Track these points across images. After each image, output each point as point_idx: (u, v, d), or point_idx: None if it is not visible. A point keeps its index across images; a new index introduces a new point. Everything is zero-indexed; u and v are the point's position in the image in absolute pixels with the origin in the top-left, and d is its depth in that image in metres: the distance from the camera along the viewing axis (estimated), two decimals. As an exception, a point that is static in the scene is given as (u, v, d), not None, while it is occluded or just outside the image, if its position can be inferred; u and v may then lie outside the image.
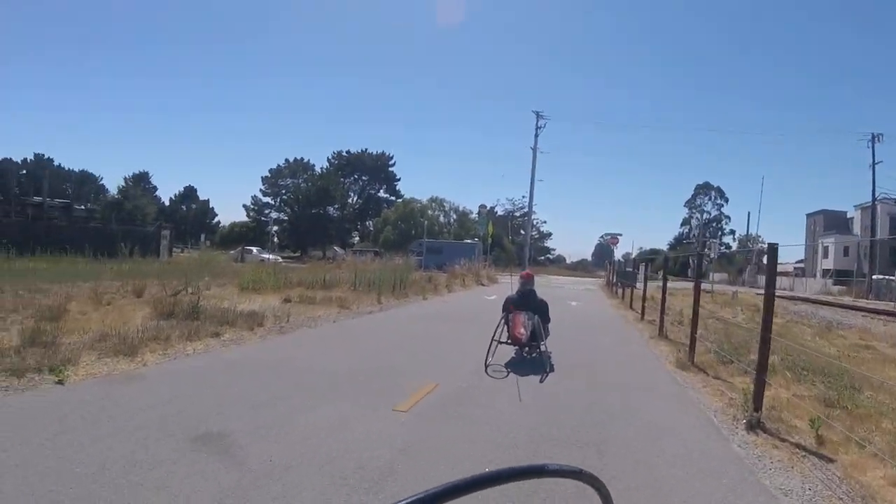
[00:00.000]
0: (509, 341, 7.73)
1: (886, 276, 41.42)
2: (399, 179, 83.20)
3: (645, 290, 15.83)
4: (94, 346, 6.98)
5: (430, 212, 73.40)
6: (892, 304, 31.06)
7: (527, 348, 7.94)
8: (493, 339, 7.52)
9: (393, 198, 79.84)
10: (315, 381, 6.21)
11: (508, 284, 9.91)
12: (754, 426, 5.52)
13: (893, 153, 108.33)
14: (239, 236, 68.36)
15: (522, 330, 7.56)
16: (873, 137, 45.60)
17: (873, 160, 45.60)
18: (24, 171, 67.33)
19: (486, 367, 7.20)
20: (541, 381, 6.90)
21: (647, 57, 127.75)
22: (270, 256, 40.44)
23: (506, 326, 7.80)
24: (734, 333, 11.93)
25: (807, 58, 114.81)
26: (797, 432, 5.47)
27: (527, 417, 5.42)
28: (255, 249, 45.77)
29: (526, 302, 8.06)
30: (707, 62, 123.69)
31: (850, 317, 20.32)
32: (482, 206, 39.87)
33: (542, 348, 7.78)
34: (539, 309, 8.04)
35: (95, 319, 9.04)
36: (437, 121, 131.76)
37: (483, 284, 28.21)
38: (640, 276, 23.24)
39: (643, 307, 15.38)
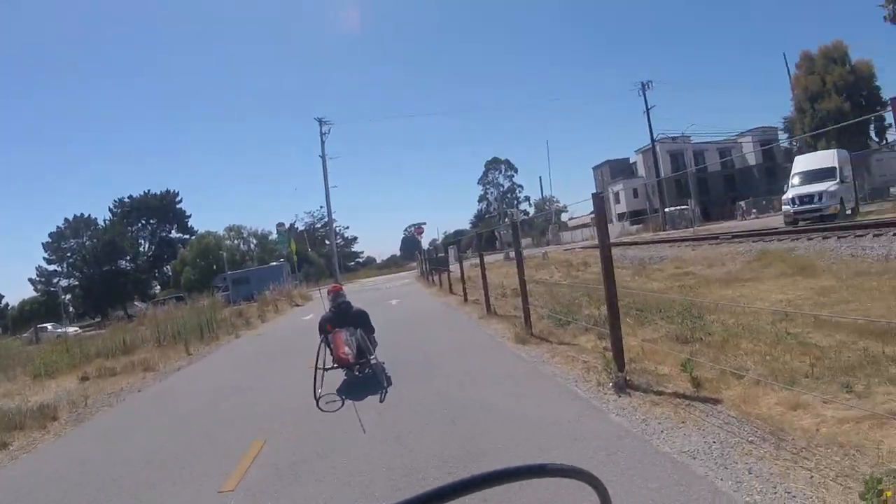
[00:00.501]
0: (336, 365, 6.71)
1: (678, 207, 46.48)
2: (190, 216, 78.07)
3: (462, 272, 15.55)
4: None
5: (227, 242, 69.69)
6: (689, 230, 34.52)
7: (356, 367, 6.84)
8: (316, 368, 6.43)
9: (187, 236, 74.19)
10: (120, 481, 4.78)
11: (321, 300, 8.70)
12: (623, 387, 4.98)
13: (663, 96, 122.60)
14: (31, 315, 59.61)
15: (346, 349, 6.63)
16: (643, 85, 50.09)
17: (646, 106, 50.37)
18: None
19: (317, 400, 6.16)
20: (381, 400, 5.97)
21: (413, 43, 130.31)
22: (68, 329, 36.49)
23: (328, 349, 6.81)
24: (560, 294, 11.82)
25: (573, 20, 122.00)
26: (669, 380, 5.02)
27: (377, 451, 4.47)
28: (49, 326, 40.92)
29: (343, 317, 7.18)
30: (472, 39, 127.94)
31: (658, 250, 21.18)
32: (279, 224, 38.96)
33: (373, 361, 6.89)
34: (359, 320, 7.20)
35: None
36: (218, 145, 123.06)
37: (298, 305, 26.55)
38: (453, 259, 24.30)
39: (464, 289, 15.03)
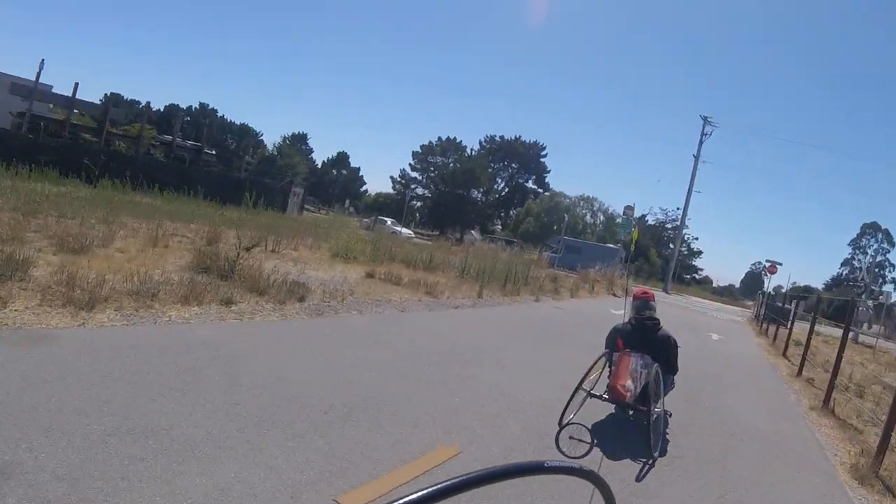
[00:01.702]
0: (606, 396, 4.87)
1: None
2: (549, 171, 79.36)
3: (809, 339, 12.20)
4: (51, 289, 5.58)
5: (577, 209, 70.05)
6: None
7: (631, 411, 4.96)
8: (579, 387, 4.79)
9: (541, 189, 76.15)
10: (274, 410, 3.87)
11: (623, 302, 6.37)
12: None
13: None
14: (382, 206, 69.09)
15: (629, 382, 4.67)
16: None
17: None
18: (188, 119, 72.09)
19: (560, 429, 4.47)
20: (638, 478, 4.12)
21: (835, 71, 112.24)
22: (403, 230, 39.94)
23: (607, 370, 5.17)
24: None
25: None
26: None
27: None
28: (389, 221, 44.50)
29: (642, 338, 5.13)
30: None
31: None
32: (628, 208, 35.26)
33: (656, 412, 4.79)
34: (662, 349, 5.16)
35: (124, 260, 7.90)
36: (597, 118, 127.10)
37: (615, 295, 24.51)
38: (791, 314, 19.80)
39: (802, 359, 11.66)
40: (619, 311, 15.60)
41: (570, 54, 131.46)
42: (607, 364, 5.15)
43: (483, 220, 75.57)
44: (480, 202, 75.81)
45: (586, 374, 4.85)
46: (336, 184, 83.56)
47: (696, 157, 46.35)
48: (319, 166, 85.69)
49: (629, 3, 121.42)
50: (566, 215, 39.39)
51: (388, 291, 10.56)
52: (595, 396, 4.89)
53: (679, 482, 4.22)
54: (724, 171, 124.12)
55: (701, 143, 46.18)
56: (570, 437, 3.76)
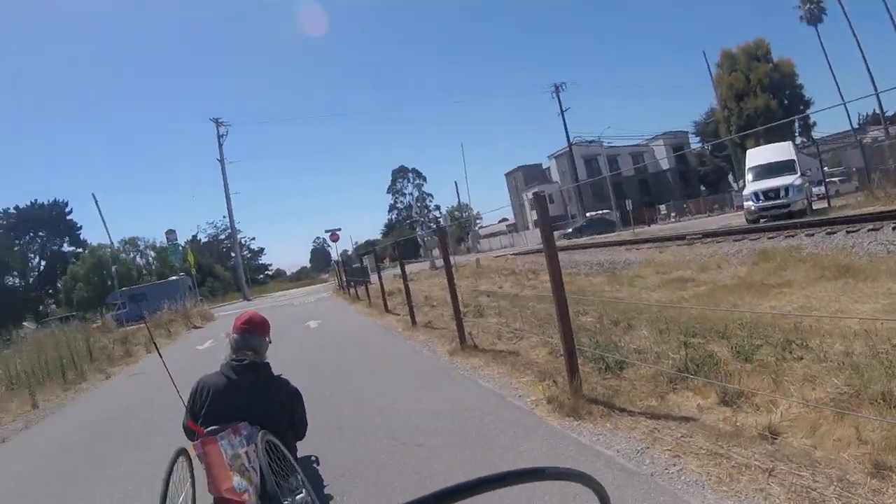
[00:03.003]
0: None
1: (600, 212, 45.39)
2: (80, 228, 70.86)
3: (407, 286, 11.51)
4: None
5: (123, 255, 64.78)
6: (628, 232, 33.33)
7: None
8: None
9: (80, 249, 67.09)
10: None
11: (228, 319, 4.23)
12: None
13: (577, 98, 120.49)
14: None
15: (237, 480, 2.64)
16: (557, 87, 48.94)
17: (561, 108, 49.28)
18: None
19: None
20: None
21: (314, 42, 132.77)
22: None
23: (190, 474, 3.05)
24: (541, 311, 8.73)
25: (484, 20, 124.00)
26: None
27: None
28: None
29: (243, 397, 3.04)
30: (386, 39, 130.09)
31: (613, 254, 19.12)
32: (169, 232, 34.09)
33: (300, 499, 2.73)
34: (274, 408, 3.15)
35: None
36: (109, 152, 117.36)
37: (196, 326, 22.18)
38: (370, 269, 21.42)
39: (410, 307, 11.02)
40: (205, 346, 13.33)
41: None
42: (188, 466, 3.01)
43: (32, 305, 64.64)
44: (21, 288, 65.27)
45: (163, 498, 2.58)
46: None
47: (222, 161, 46.04)
48: None
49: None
50: (114, 267, 37.05)
51: None
52: None
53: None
54: (254, 164, 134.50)
55: (221, 145, 46.09)
56: None
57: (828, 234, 12.34)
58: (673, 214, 48.47)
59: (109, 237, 56.42)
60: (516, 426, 4.17)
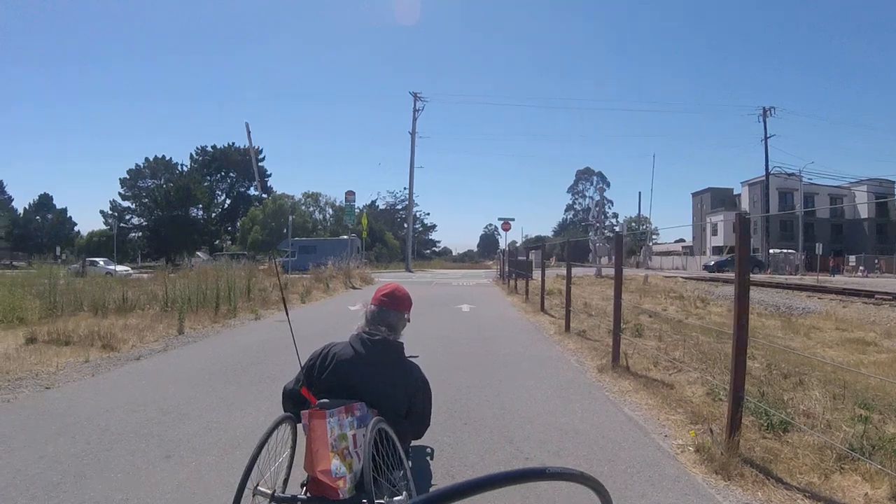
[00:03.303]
0: (305, 495, 2.43)
1: (782, 250, 42.49)
2: (270, 175, 76.91)
3: (569, 288, 10.91)
4: None
5: (303, 207, 68.76)
6: (811, 277, 31.77)
7: None
8: (244, 484, 2.31)
9: (266, 195, 71.10)
10: None
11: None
12: None
13: (781, 126, 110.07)
14: (99, 246, 59.97)
15: (336, 463, 2.35)
16: (765, 111, 44.80)
17: (766, 133, 45.21)
18: None
19: None
20: None
21: (525, 34, 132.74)
22: (118, 268, 35.78)
23: (292, 444, 2.81)
24: (706, 346, 7.86)
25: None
26: None
27: None
28: (101, 261, 38.55)
29: (360, 374, 2.75)
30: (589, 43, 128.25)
31: (790, 298, 18.14)
32: (349, 193, 34.47)
33: (399, 497, 2.37)
34: (396, 394, 2.81)
35: None
36: (308, 110, 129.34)
37: (355, 287, 22.81)
38: (536, 265, 20.91)
39: (567, 312, 10.47)
40: (356, 307, 13.89)
41: (267, 55, 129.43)
42: (292, 435, 2.77)
43: (209, 238, 70.64)
44: (202, 220, 70.60)
45: (254, 459, 2.35)
46: (42, 231, 70.84)
47: (413, 135, 47.31)
48: (21, 214, 72.21)
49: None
50: (291, 216, 38.64)
51: (47, 359, 7.30)
52: (281, 500, 2.43)
53: None
54: (442, 142, 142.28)
55: (415, 119, 47.35)
56: None
57: None
58: (862, 268, 43.60)
59: (258, 178, 58.68)
60: (653, 470, 3.73)
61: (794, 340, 10.04)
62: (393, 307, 2.94)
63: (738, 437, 3.86)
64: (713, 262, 40.47)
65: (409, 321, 3.05)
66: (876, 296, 15.47)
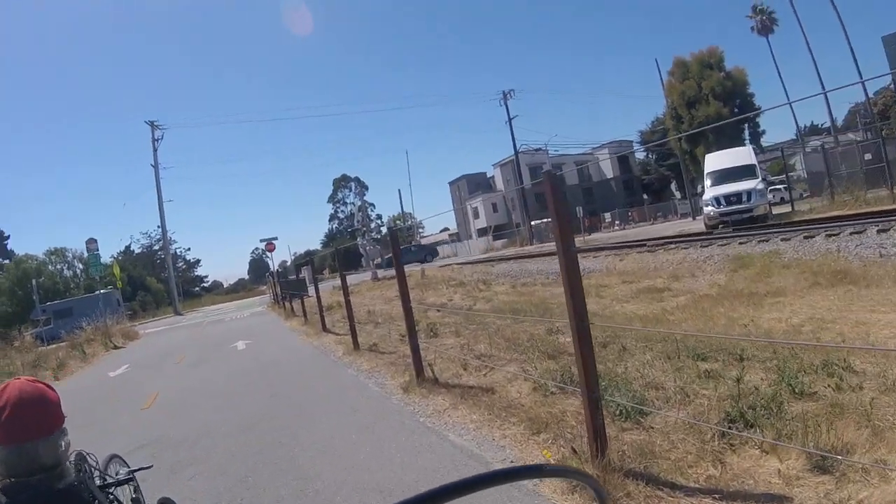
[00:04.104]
0: None
1: (543, 220, 44.07)
2: (8, 237, 67.42)
3: (349, 301, 9.78)
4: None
5: (50, 267, 60.41)
6: (578, 239, 32.37)
7: None
8: None
9: (7, 260, 62.16)
10: None
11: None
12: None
13: (526, 105, 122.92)
14: None
15: None
16: (505, 95, 48.01)
17: (508, 115, 48.22)
18: None
19: None
20: None
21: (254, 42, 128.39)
22: None
23: None
24: (508, 330, 7.46)
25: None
26: None
27: None
28: None
29: None
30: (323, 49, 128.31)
31: (555, 264, 18.54)
32: (90, 241, 31.24)
33: None
34: None
35: None
36: (39, 161, 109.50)
37: (117, 346, 19.74)
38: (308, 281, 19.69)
39: (352, 328, 9.32)
40: (117, 372, 12.09)
41: None
42: None
43: None
44: None
45: None
46: None
47: (156, 167, 43.33)
48: None
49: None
50: (35, 280, 34.46)
51: None
52: None
53: None
54: (190, 171, 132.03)
55: (155, 150, 43.60)
56: None
57: (805, 237, 11.63)
58: (617, 222, 49.12)
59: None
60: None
61: (589, 303, 10.06)
62: (28, 435, 1.49)
63: (608, 451, 2.97)
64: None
65: (67, 438, 1.60)
66: (647, 243, 16.71)
